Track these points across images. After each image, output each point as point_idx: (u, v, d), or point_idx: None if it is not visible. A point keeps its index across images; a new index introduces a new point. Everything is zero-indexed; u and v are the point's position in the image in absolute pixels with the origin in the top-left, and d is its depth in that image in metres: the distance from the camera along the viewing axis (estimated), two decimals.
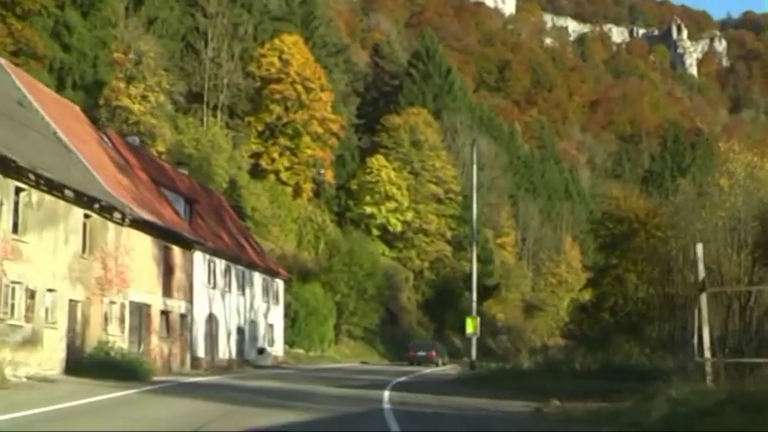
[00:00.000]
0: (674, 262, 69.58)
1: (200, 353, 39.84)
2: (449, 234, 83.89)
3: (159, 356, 33.77)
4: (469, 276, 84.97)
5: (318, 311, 57.19)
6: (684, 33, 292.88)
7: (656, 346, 56.77)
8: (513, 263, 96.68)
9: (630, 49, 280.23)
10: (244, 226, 56.88)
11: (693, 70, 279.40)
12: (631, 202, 73.56)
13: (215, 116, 72.00)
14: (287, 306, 54.84)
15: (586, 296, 77.58)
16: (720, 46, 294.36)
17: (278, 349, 52.09)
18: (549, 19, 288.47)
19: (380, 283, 64.79)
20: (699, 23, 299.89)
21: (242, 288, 46.49)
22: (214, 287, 42.20)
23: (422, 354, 57.29)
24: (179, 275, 36.63)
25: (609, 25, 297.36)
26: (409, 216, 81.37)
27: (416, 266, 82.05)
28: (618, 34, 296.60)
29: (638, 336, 57.68)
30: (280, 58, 75.68)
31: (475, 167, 42.33)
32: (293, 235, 71.58)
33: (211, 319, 41.69)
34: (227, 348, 43.66)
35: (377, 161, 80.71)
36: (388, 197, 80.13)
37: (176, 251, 36.35)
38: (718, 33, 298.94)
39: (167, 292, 35.24)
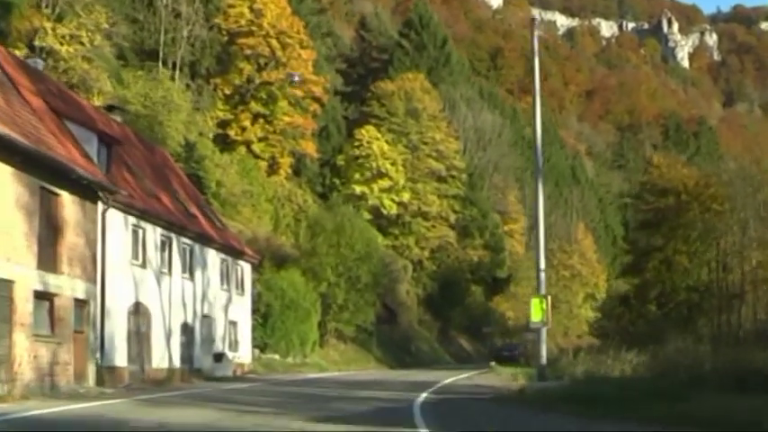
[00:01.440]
0: (730, 240, 55.85)
1: (119, 360, 26.24)
2: (452, 218, 70.44)
3: (31, 367, 20.16)
4: (479, 266, 72.01)
5: (298, 305, 43.33)
6: (675, 26, 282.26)
7: (719, 340, 43.64)
8: (522, 254, 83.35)
9: (620, 42, 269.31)
10: (203, 199, 43.11)
11: (685, 64, 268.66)
12: (677, 170, 60.40)
13: (173, 78, 58.40)
14: (256, 297, 41.22)
15: (622, 286, 64.35)
16: (711, 40, 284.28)
17: (244, 354, 38.45)
18: (536, 13, 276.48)
19: (377, 269, 50.93)
20: (689, 17, 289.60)
21: (189, 270, 32.83)
22: (144, 265, 28.60)
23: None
24: (74, 240, 23.01)
25: (598, 19, 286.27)
26: (406, 197, 67.93)
27: (415, 256, 68.59)
28: (607, 28, 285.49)
29: (690, 330, 45.01)
30: (251, 8, 62.21)
31: (536, 59, 27.96)
32: (268, 217, 58.05)
33: (139, 311, 28.06)
34: (165, 354, 30.00)
35: (367, 132, 67.28)
36: (381, 174, 66.68)
37: (68, 201, 22.73)
38: (708, 27, 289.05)
39: (49, 263, 21.66)
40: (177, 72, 59.08)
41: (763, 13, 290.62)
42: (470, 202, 71.20)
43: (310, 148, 64.89)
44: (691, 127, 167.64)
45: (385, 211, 67.02)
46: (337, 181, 67.15)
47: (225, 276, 36.94)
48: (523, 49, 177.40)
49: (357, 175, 66.24)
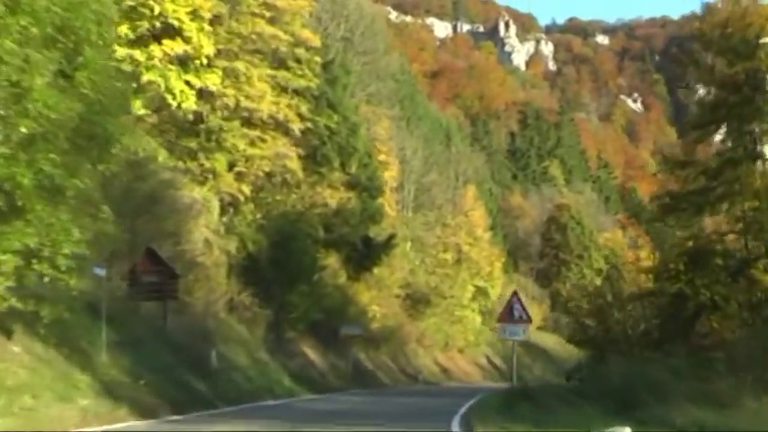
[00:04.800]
0: None
1: None
2: (296, 127, 38.51)
3: None
4: (340, 219, 39.56)
5: None
6: (512, 30, 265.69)
7: None
8: (396, 219, 52.87)
9: (456, 43, 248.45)
10: None
11: (522, 69, 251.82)
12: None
13: None
14: None
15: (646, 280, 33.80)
16: (547, 49, 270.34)
17: None
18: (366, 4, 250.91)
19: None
20: (524, 25, 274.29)
21: None
22: None
23: None
24: None
25: (431, 19, 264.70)
26: (214, 80, 35.75)
27: (228, 189, 36.28)
28: (441, 28, 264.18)
29: None
30: None
31: None
32: None
33: None
34: None
35: None
36: (170, 30, 34.24)
37: None
38: (544, 36, 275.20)
39: None
40: None
41: (599, 27, 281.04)
42: (329, 105, 39.74)
43: None
44: (551, 117, 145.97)
45: (175, 103, 34.46)
46: None
47: None
48: None
49: (125, 28, 33.15)
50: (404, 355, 52.75)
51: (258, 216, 37.36)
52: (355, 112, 42.72)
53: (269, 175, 38.01)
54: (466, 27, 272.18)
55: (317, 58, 39.81)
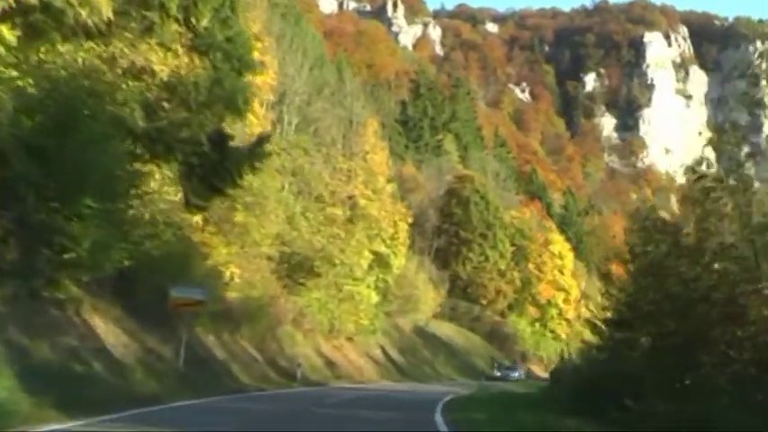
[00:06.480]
0: None
1: None
2: None
3: None
4: (173, 90, 22.35)
5: None
6: (400, 11, 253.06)
7: None
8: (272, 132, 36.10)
9: (341, 20, 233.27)
10: None
11: (410, 51, 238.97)
12: None
13: None
14: None
15: None
16: (435, 33, 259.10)
17: None
18: None
19: None
20: (412, 8, 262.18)
21: None
22: None
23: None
24: None
25: None
26: None
27: None
28: (326, 4, 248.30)
29: None
30: None
31: None
32: None
33: None
34: None
35: None
36: None
37: None
38: (432, 20, 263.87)
39: None
40: None
41: (488, 15, 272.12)
42: None
43: None
44: (446, 90, 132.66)
45: None
46: None
47: None
48: None
49: None
50: (275, 341, 36.12)
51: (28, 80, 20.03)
52: None
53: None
54: (352, 5, 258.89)
55: None
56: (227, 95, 22.52)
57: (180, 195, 23.69)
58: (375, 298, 46.61)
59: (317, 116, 46.35)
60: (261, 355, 32.92)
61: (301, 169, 39.19)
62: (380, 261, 47.16)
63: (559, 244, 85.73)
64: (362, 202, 44.42)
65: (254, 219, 34.66)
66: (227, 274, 31.81)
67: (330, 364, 40.12)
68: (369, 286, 45.62)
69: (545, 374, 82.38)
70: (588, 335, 27.54)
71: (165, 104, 21.99)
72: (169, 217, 26.12)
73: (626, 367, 16.77)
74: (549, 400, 24.37)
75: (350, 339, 45.55)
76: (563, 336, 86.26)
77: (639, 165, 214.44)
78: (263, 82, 36.26)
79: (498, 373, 61.14)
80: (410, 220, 53.68)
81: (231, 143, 22.98)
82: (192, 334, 26.39)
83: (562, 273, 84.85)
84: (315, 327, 40.89)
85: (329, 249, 40.94)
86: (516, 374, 62.35)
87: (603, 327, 21.73)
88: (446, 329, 70.87)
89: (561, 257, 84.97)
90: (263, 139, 22.82)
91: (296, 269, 40.04)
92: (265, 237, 36.17)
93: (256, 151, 22.36)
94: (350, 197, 44.57)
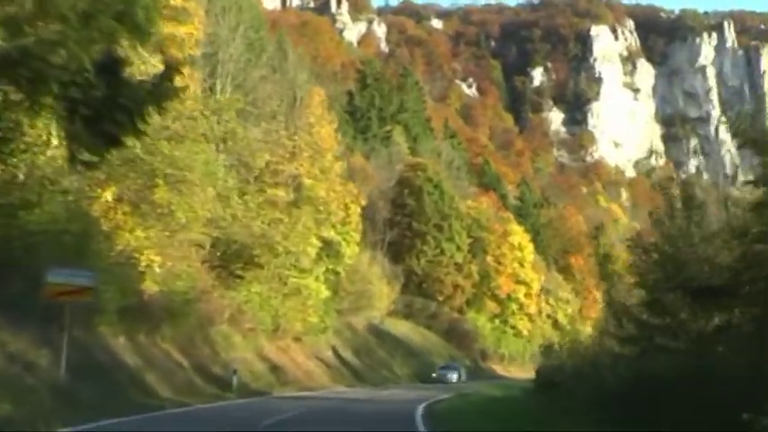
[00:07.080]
0: None
1: None
2: None
3: None
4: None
5: None
6: (344, 8, 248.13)
7: None
8: (195, 104, 30.02)
9: (285, 18, 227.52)
10: None
11: (355, 47, 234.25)
12: None
13: None
14: None
15: None
16: (380, 30, 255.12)
17: None
18: None
19: None
20: (356, 5, 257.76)
21: None
22: None
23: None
24: None
25: None
26: None
27: None
28: (269, 1, 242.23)
29: None
30: None
31: None
32: None
33: None
34: None
35: None
36: None
37: None
38: (376, 17, 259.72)
39: None
40: None
41: (433, 11, 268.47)
42: None
43: None
44: (395, 78, 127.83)
45: None
46: None
47: None
48: None
49: None
50: (207, 344, 30.04)
51: None
52: None
53: None
54: (296, 2, 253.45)
55: None
56: (120, 13, 16.35)
57: (60, 148, 17.56)
58: (325, 293, 40.76)
59: (255, 85, 40.35)
60: (187, 361, 26.86)
61: (234, 135, 33.18)
62: (330, 249, 41.35)
63: (519, 235, 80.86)
64: (308, 182, 38.51)
65: (179, 196, 28.58)
66: (143, 261, 25.74)
67: (274, 368, 34.14)
68: (318, 279, 39.77)
69: (505, 373, 77.66)
70: (549, 331, 23.17)
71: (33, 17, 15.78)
72: (58, 181, 20.03)
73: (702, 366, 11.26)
74: (551, 411, 18.75)
75: (297, 340, 39.61)
76: (525, 332, 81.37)
77: (588, 159, 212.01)
78: (187, 33, 30.20)
79: (434, 374, 53.35)
80: (363, 203, 47.93)
81: (129, 74, 16.91)
82: (92, 335, 20.32)
83: (522, 265, 79.93)
84: (256, 326, 34.92)
85: (271, 235, 34.99)
86: (455, 376, 53.88)
87: (629, 312, 16.32)
88: (402, 328, 65.35)
89: (521, 249, 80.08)
90: (171, 69, 16.73)
91: (232, 259, 34.06)
92: (193, 219, 30.08)
93: (164, 86, 16.24)
94: (294, 177, 38.61)
